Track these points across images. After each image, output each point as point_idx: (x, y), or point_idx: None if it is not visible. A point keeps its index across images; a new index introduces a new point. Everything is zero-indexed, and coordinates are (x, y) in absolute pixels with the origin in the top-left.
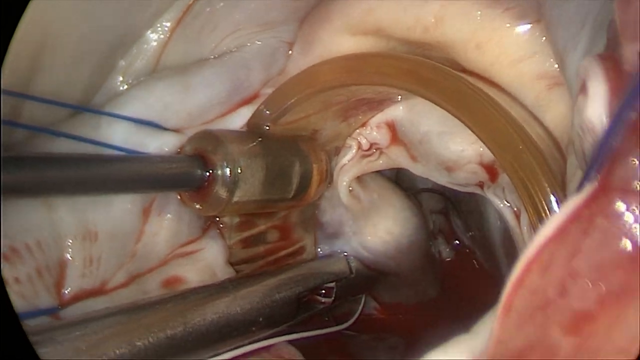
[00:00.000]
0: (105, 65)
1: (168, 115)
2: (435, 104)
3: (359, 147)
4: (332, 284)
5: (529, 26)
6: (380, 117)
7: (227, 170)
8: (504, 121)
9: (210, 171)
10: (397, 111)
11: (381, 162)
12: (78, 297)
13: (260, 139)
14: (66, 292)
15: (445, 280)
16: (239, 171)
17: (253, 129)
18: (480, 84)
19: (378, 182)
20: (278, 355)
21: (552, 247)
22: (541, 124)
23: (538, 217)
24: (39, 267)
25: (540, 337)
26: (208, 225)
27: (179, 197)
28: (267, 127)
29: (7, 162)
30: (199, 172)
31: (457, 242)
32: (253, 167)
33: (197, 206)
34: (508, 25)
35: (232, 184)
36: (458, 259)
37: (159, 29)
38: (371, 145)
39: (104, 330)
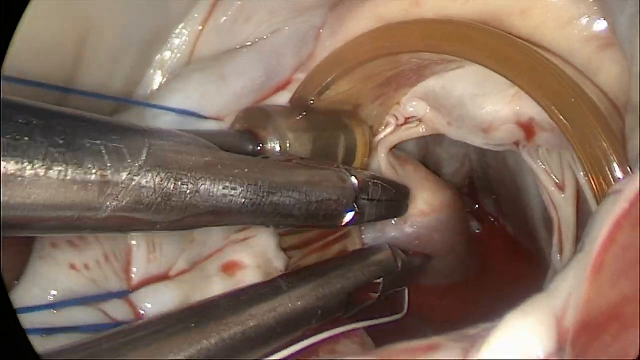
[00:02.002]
0: (143, 60)
1: (206, 104)
2: (482, 64)
3: (397, 122)
4: (380, 280)
5: None
6: (413, 93)
7: (277, 145)
8: (559, 78)
9: (261, 146)
10: (428, 83)
11: (420, 129)
12: (146, 282)
13: (305, 113)
14: (134, 276)
15: (479, 257)
16: (288, 145)
17: (297, 105)
18: None
19: (411, 160)
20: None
21: None
22: (594, 83)
23: (600, 179)
24: (106, 253)
25: (635, 291)
26: None
27: None
28: (312, 102)
29: None
30: (250, 147)
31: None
32: (301, 140)
33: None
34: None
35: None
36: (486, 235)
37: (191, 21)
38: (407, 119)
39: (159, 339)
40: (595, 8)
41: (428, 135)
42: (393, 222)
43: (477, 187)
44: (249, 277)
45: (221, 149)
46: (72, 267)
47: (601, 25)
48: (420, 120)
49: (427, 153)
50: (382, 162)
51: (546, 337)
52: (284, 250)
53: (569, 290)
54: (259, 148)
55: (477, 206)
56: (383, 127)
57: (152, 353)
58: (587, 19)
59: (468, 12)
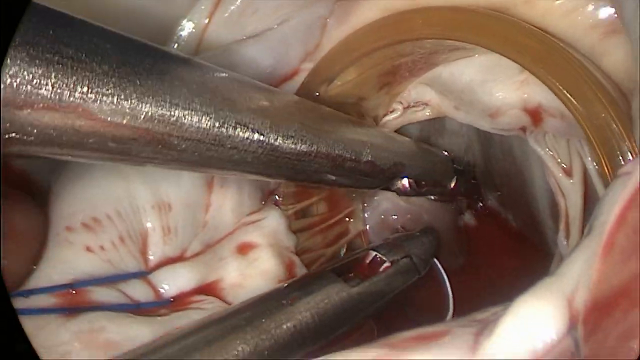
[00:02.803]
0: None
1: None
2: (494, 50)
3: (403, 106)
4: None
5: None
6: (419, 80)
7: None
8: (573, 64)
9: None
10: (435, 71)
11: (426, 112)
12: (163, 263)
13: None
14: (151, 257)
15: (470, 244)
16: None
17: (303, 96)
18: None
19: None
20: None
21: None
22: (599, 69)
23: (612, 162)
24: (121, 235)
25: None
26: (267, 197)
27: None
28: (317, 94)
29: None
30: None
31: (481, 204)
32: None
33: None
34: None
35: None
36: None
37: (197, 14)
38: (413, 104)
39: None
40: None
41: (434, 117)
42: (389, 196)
43: (480, 181)
44: (262, 255)
45: None
46: (88, 249)
47: (605, 11)
48: (426, 104)
49: (430, 144)
50: None
51: (558, 319)
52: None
53: (578, 273)
54: None
55: (480, 205)
56: (389, 113)
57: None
58: (592, 6)
59: (475, 1)
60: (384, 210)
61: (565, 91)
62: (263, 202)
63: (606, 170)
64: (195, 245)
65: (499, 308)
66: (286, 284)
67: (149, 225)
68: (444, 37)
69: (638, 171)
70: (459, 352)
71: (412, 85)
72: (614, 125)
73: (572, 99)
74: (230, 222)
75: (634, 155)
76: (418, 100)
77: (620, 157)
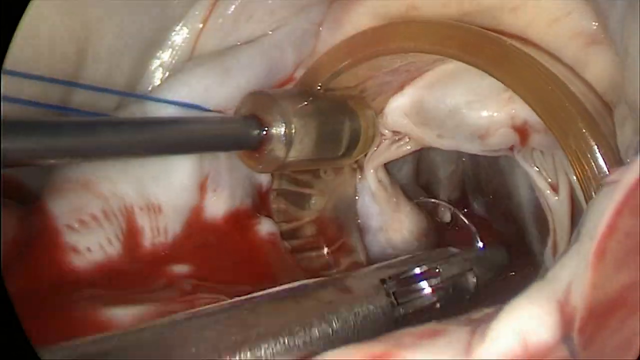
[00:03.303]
0: (145, 56)
1: (209, 97)
2: (470, 64)
3: (383, 137)
4: None
5: None
6: (399, 104)
7: (282, 129)
8: (544, 77)
9: (266, 130)
10: (416, 94)
11: (409, 147)
12: (152, 264)
13: (311, 98)
14: (140, 259)
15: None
16: (293, 130)
17: (303, 90)
18: (518, 44)
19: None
20: None
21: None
22: (582, 79)
23: (583, 170)
24: (109, 236)
25: (637, 278)
26: (258, 206)
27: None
28: (319, 88)
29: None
30: (256, 131)
31: (465, 210)
32: (306, 126)
33: (254, 164)
34: None
35: (287, 143)
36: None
37: (192, 19)
38: (394, 133)
39: None
40: (584, 5)
41: (418, 150)
42: (379, 243)
43: (467, 189)
44: None
45: (226, 134)
46: (74, 250)
47: (588, 22)
48: (409, 137)
49: (420, 156)
50: (371, 182)
51: (549, 321)
52: None
53: (569, 277)
54: (264, 132)
55: (465, 210)
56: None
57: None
58: (575, 16)
59: (464, 9)
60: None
61: (538, 103)
62: (256, 212)
63: (580, 178)
64: (188, 248)
65: (492, 309)
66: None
67: (137, 225)
68: (419, 51)
69: (628, 178)
70: (452, 352)
71: (393, 109)
72: (585, 133)
73: (543, 109)
74: (223, 226)
75: (610, 165)
76: (397, 130)
77: (595, 166)
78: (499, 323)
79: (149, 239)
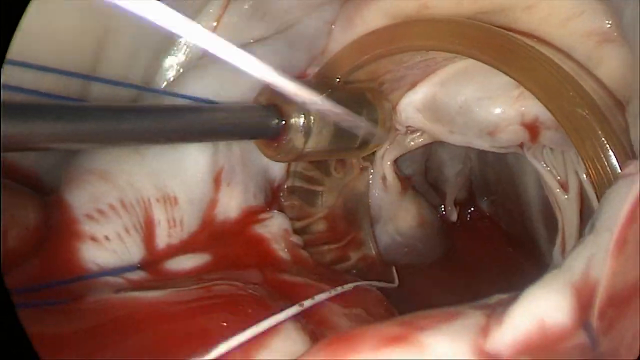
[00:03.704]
0: (160, 52)
1: (224, 93)
2: (484, 62)
3: (396, 131)
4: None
5: None
6: (412, 100)
7: (301, 120)
8: (557, 75)
9: (285, 120)
10: (427, 91)
11: (421, 140)
12: (169, 254)
13: (330, 90)
14: (157, 249)
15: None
16: (312, 120)
17: (322, 81)
18: (531, 42)
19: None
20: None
21: None
22: (595, 77)
23: (596, 171)
24: (126, 226)
25: None
26: (271, 201)
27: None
28: (338, 80)
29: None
30: (275, 121)
31: (472, 208)
32: (325, 117)
33: (272, 153)
34: None
35: (306, 134)
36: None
37: (205, 17)
38: (407, 129)
39: None
40: (597, 3)
41: (430, 143)
42: (388, 232)
43: (474, 188)
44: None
45: (246, 122)
46: (93, 239)
47: (601, 20)
48: (421, 131)
49: (429, 154)
50: (387, 172)
51: (566, 306)
52: None
53: (585, 265)
54: (283, 122)
55: (472, 209)
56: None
57: None
58: (588, 15)
59: (477, 8)
60: (383, 245)
61: (550, 100)
62: (268, 204)
63: (592, 177)
64: (203, 239)
65: (507, 296)
66: None
67: (154, 216)
68: (435, 49)
69: None
70: (469, 334)
71: (402, 106)
72: (598, 131)
73: (556, 107)
74: (237, 219)
75: (620, 160)
76: (410, 126)
77: (607, 164)
78: (516, 307)
79: (164, 229)
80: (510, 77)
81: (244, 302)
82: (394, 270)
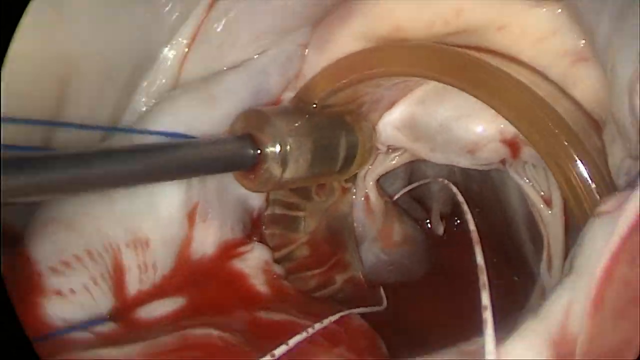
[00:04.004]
0: (129, 87)
1: (197, 125)
2: (454, 86)
3: (379, 152)
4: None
5: (549, 5)
6: (391, 119)
7: (277, 149)
8: (527, 97)
9: (260, 150)
10: (407, 110)
11: (403, 158)
12: (141, 301)
13: (307, 116)
14: (127, 297)
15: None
16: (288, 149)
17: (298, 107)
18: (505, 63)
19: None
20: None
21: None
22: (570, 97)
23: (567, 183)
24: (93, 277)
25: (635, 334)
26: (250, 231)
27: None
28: (314, 105)
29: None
30: (251, 151)
31: (458, 222)
32: (301, 145)
33: (250, 184)
34: (528, 6)
35: (283, 162)
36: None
37: (175, 45)
38: (388, 148)
39: None
40: (570, 23)
41: (413, 161)
42: (373, 252)
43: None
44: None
45: (220, 156)
46: (58, 293)
47: (575, 40)
48: (403, 150)
49: (412, 170)
50: (370, 192)
51: None
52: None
53: (561, 314)
54: (258, 152)
55: (457, 222)
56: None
57: None
58: (562, 34)
59: (451, 29)
60: (370, 264)
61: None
62: (248, 236)
63: (566, 193)
64: (177, 281)
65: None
66: None
67: (123, 263)
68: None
69: (624, 218)
70: None
71: (382, 126)
72: (569, 149)
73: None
74: (213, 255)
75: (593, 178)
76: (391, 145)
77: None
78: None
79: (135, 275)
80: (482, 101)
81: (219, 354)
82: (382, 291)
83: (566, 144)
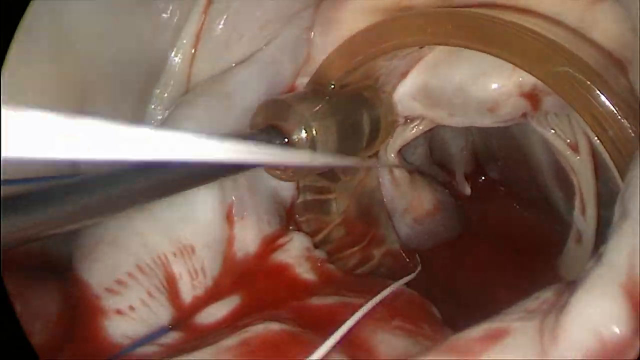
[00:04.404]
0: (143, 97)
1: (217, 125)
2: (469, 48)
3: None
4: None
5: None
6: (406, 89)
7: (304, 135)
8: (533, 39)
9: (287, 139)
10: (420, 78)
11: (422, 127)
12: (198, 307)
13: (327, 98)
14: (184, 304)
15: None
16: (315, 133)
17: (317, 89)
18: (520, 17)
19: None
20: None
21: None
22: (589, 40)
23: (603, 131)
24: (149, 290)
25: None
26: (285, 222)
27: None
28: (333, 86)
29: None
30: (277, 142)
31: (483, 177)
32: (326, 127)
33: (284, 174)
34: None
35: (312, 146)
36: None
37: (181, 48)
38: (406, 118)
39: None
40: None
41: (432, 128)
42: (406, 222)
43: (481, 159)
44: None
45: None
46: (119, 312)
47: None
48: (422, 118)
49: (431, 137)
50: (393, 165)
51: (621, 315)
52: None
53: (628, 260)
54: (285, 140)
55: (483, 178)
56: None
57: None
58: None
59: None
60: (404, 235)
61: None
62: (285, 226)
63: (605, 143)
64: (228, 281)
65: (548, 293)
66: None
67: (174, 272)
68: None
69: None
70: (525, 355)
71: (397, 97)
72: (593, 88)
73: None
74: (257, 252)
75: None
76: (409, 115)
77: (616, 126)
78: (569, 319)
79: (187, 282)
80: (502, 59)
81: (286, 345)
82: (417, 257)
83: (588, 82)
